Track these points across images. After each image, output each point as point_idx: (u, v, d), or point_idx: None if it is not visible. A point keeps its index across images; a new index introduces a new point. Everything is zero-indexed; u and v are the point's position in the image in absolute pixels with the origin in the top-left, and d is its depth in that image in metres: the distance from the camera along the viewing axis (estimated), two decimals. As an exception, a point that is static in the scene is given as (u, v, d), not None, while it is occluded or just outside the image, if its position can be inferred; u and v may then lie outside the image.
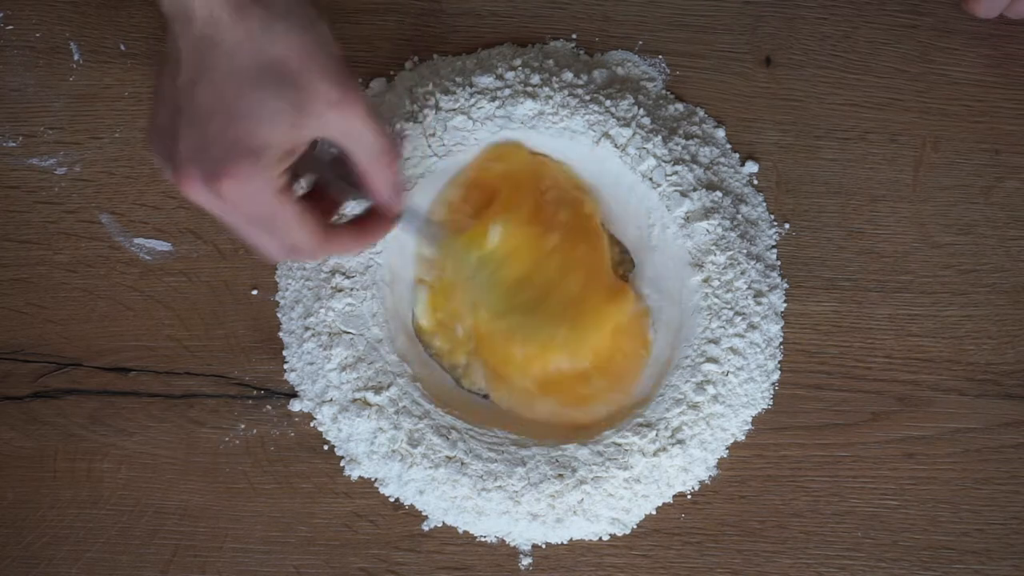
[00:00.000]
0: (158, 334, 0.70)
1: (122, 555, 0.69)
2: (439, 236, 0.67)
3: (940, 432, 0.71)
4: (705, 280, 0.69)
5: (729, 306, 0.69)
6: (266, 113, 0.53)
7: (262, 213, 0.55)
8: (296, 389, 0.70)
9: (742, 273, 0.69)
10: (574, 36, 0.74)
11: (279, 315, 0.70)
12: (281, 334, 0.70)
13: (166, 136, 0.54)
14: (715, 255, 0.69)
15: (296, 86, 0.53)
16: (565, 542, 0.69)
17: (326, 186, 0.59)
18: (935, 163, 0.73)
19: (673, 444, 0.67)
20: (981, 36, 0.75)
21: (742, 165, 0.73)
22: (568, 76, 0.71)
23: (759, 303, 0.70)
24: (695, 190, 0.70)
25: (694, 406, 0.68)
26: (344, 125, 0.55)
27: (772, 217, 0.73)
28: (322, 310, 0.68)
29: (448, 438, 0.67)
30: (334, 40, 0.55)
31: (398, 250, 0.70)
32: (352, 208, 0.64)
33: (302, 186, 0.59)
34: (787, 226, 0.72)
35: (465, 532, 0.69)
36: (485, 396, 0.70)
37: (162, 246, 0.71)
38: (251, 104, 0.53)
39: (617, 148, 0.70)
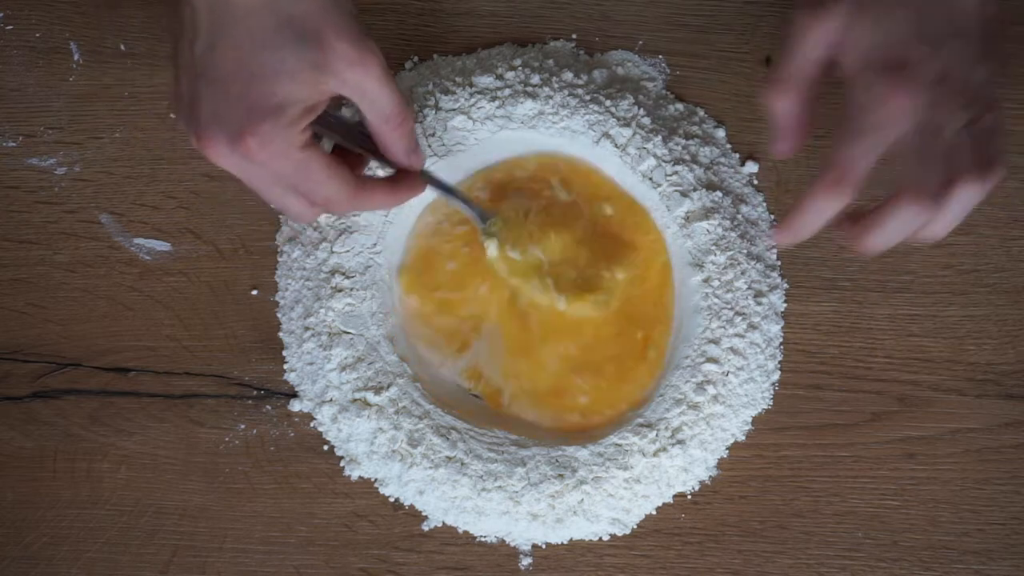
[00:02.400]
0: (158, 334, 0.70)
1: (122, 555, 0.69)
2: (480, 213, 0.67)
3: (940, 432, 0.71)
4: (705, 280, 0.69)
5: (729, 306, 0.69)
6: (285, 71, 0.53)
7: (289, 169, 0.55)
8: (296, 389, 0.70)
9: (742, 273, 0.69)
10: (574, 36, 0.74)
11: (279, 315, 0.70)
12: (281, 334, 0.70)
13: (188, 102, 0.55)
14: (715, 255, 0.69)
15: (314, 44, 0.54)
16: (565, 542, 0.69)
17: (347, 150, 0.60)
18: (935, 163, 0.73)
19: (673, 444, 0.67)
20: (981, 36, 0.74)
21: (742, 165, 0.73)
22: (568, 76, 0.71)
23: (759, 303, 0.70)
24: (695, 190, 0.70)
25: (694, 406, 0.68)
26: (360, 84, 0.55)
27: (772, 217, 0.73)
28: (322, 310, 0.68)
29: (448, 438, 0.67)
30: None
31: (399, 250, 0.70)
32: (379, 172, 0.65)
33: (324, 148, 0.59)
34: (787, 226, 0.72)
35: (465, 532, 0.69)
36: (477, 396, 0.70)
37: (161, 246, 0.71)
38: (271, 63, 0.53)
39: (617, 148, 0.70)
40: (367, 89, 0.55)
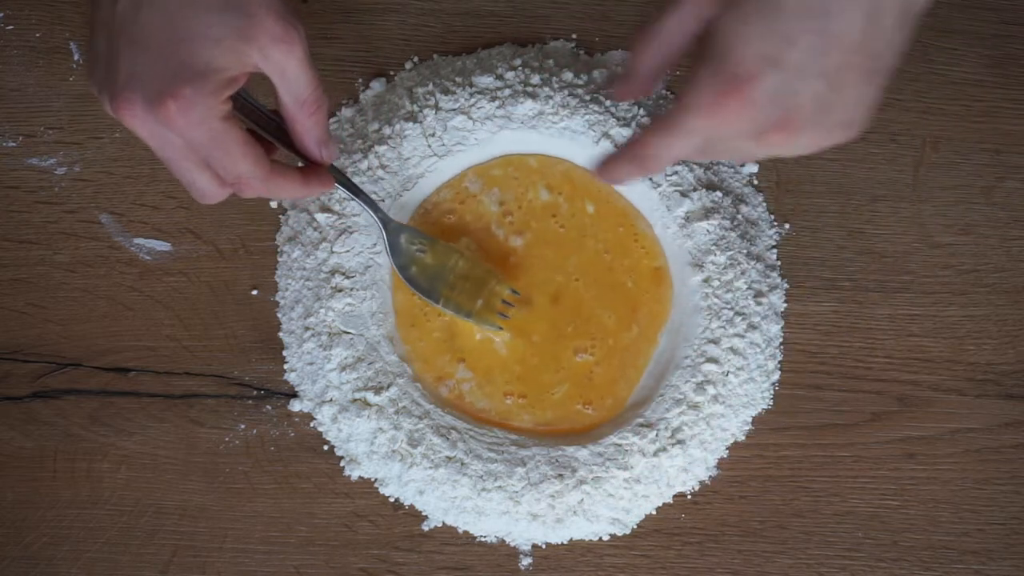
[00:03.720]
0: (158, 334, 0.70)
1: (122, 555, 0.69)
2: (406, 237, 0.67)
3: (940, 432, 0.70)
4: (705, 280, 0.69)
5: (729, 306, 0.69)
6: (212, 36, 0.52)
7: (206, 140, 0.53)
8: (296, 389, 0.70)
9: (742, 273, 0.69)
10: (574, 36, 0.74)
11: (279, 315, 0.70)
12: (281, 334, 0.70)
13: (104, 64, 0.53)
14: (715, 255, 0.69)
15: (242, 13, 0.52)
16: (565, 542, 0.69)
17: (259, 137, 0.59)
18: (935, 163, 0.73)
19: (673, 444, 0.67)
20: (981, 36, 0.75)
21: (742, 165, 0.73)
22: (568, 76, 0.71)
23: (759, 303, 0.70)
24: (695, 190, 0.70)
25: (694, 406, 0.68)
26: (281, 63, 0.54)
27: (772, 217, 0.73)
28: (322, 310, 0.68)
29: (448, 438, 0.67)
30: None
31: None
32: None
33: None
34: (787, 226, 0.72)
35: (465, 532, 0.69)
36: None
37: (161, 246, 0.71)
38: (197, 26, 0.52)
39: (617, 148, 0.70)
40: (287, 68, 0.54)
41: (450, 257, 0.68)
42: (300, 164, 0.60)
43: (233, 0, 0.53)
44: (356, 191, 0.65)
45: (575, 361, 0.69)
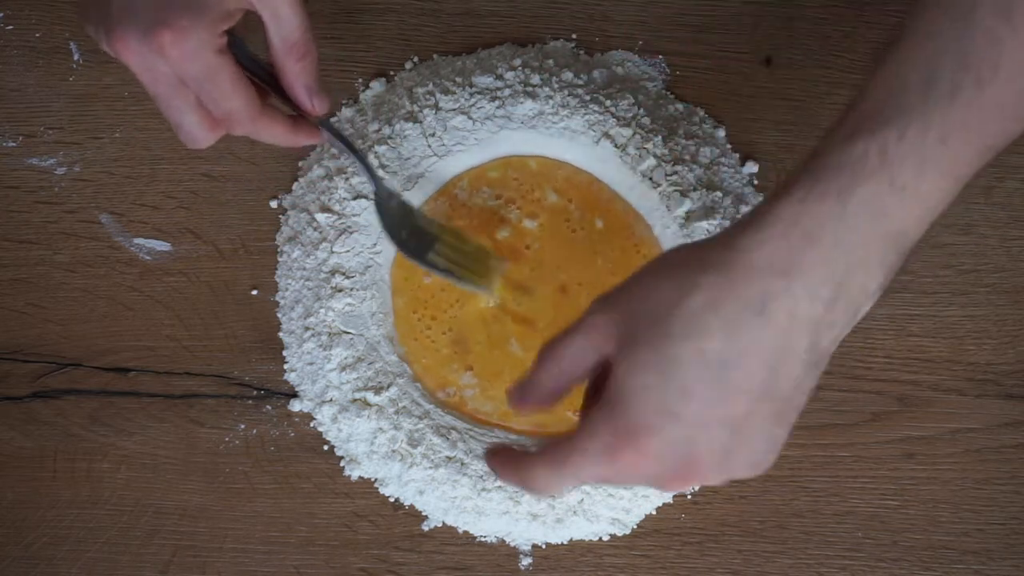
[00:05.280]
0: (158, 334, 0.70)
1: (122, 555, 0.69)
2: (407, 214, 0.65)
3: (940, 432, 0.70)
4: (705, 280, 0.69)
5: (729, 306, 0.69)
6: None
7: (199, 72, 0.53)
8: (296, 389, 0.70)
9: (742, 273, 0.69)
10: (574, 36, 0.74)
11: (279, 315, 0.70)
12: (281, 334, 0.70)
13: (95, 3, 0.53)
14: (715, 255, 0.69)
15: None
16: (565, 542, 0.69)
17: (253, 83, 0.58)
18: (935, 163, 0.73)
19: (673, 444, 0.67)
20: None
21: (742, 165, 0.73)
22: (568, 76, 0.71)
23: (759, 303, 0.70)
24: (695, 190, 0.70)
25: (694, 406, 0.68)
26: (272, 2, 0.54)
27: (772, 217, 0.72)
28: (322, 310, 0.68)
29: (448, 438, 0.67)
30: None
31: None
32: None
33: None
34: (787, 226, 0.72)
35: (465, 532, 0.69)
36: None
37: (161, 246, 0.71)
38: None
39: (617, 148, 0.70)
40: (280, 7, 0.54)
41: (443, 230, 0.66)
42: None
43: None
44: (349, 146, 0.62)
45: None
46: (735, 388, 0.47)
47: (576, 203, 0.70)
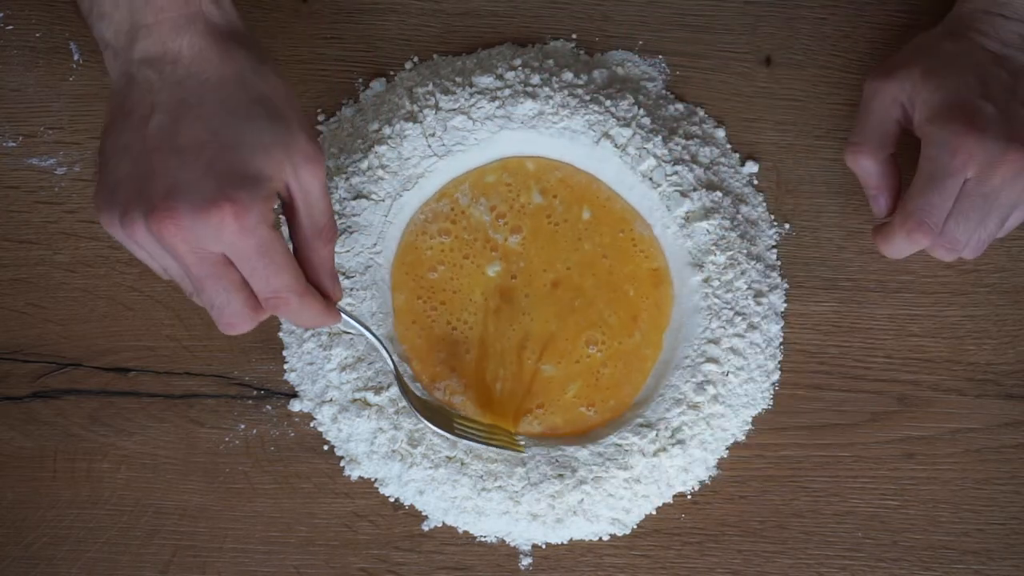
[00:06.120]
0: (158, 334, 0.70)
1: (122, 555, 0.69)
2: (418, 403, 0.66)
3: (940, 432, 0.70)
4: (705, 280, 0.69)
5: (729, 306, 0.69)
6: (262, 144, 0.52)
7: (254, 248, 0.52)
8: (296, 389, 0.70)
9: (742, 273, 0.69)
10: (574, 36, 0.74)
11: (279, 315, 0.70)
12: (281, 334, 0.70)
13: (129, 184, 0.52)
14: (715, 255, 0.69)
15: (285, 124, 0.53)
16: (565, 542, 0.69)
17: None
18: (935, 163, 0.73)
19: (673, 444, 0.67)
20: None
21: (742, 165, 0.73)
22: (568, 76, 0.71)
23: (759, 303, 0.70)
24: (695, 190, 0.70)
25: (694, 406, 0.68)
26: (308, 184, 0.54)
27: (772, 217, 0.73)
28: (322, 310, 0.68)
29: (448, 438, 0.67)
30: None
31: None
32: None
33: None
34: (787, 226, 0.72)
35: (465, 532, 0.69)
36: None
37: (162, 246, 0.71)
38: (248, 134, 0.52)
39: (617, 148, 0.70)
40: (311, 191, 0.54)
41: (455, 414, 0.68)
42: None
43: (275, 112, 0.53)
44: (368, 330, 0.63)
45: (586, 353, 0.69)
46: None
47: (561, 198, 0.71)
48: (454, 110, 0.70)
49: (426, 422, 0.64)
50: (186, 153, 0.51)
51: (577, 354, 0.69)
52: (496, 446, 0.66)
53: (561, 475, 0.67)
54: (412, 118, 0.70)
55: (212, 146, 0.51)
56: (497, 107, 0.70)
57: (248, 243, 0.51)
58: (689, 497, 0.70)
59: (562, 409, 0.69)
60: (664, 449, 0.67)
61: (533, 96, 0.70)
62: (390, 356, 0.64)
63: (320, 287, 0.57)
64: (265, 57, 0.55)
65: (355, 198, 0.69)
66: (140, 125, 0.52)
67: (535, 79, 0.70)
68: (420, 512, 0.69)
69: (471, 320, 0.69)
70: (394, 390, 0.67)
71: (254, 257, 0.52)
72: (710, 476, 0.70)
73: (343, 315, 0.60)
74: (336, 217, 0.69)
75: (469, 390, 0.69)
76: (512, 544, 0.69)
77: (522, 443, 0.67)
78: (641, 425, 0.68)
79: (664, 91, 0.74)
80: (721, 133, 0.73)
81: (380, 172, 0.69)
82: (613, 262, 0.70)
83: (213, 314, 0.55)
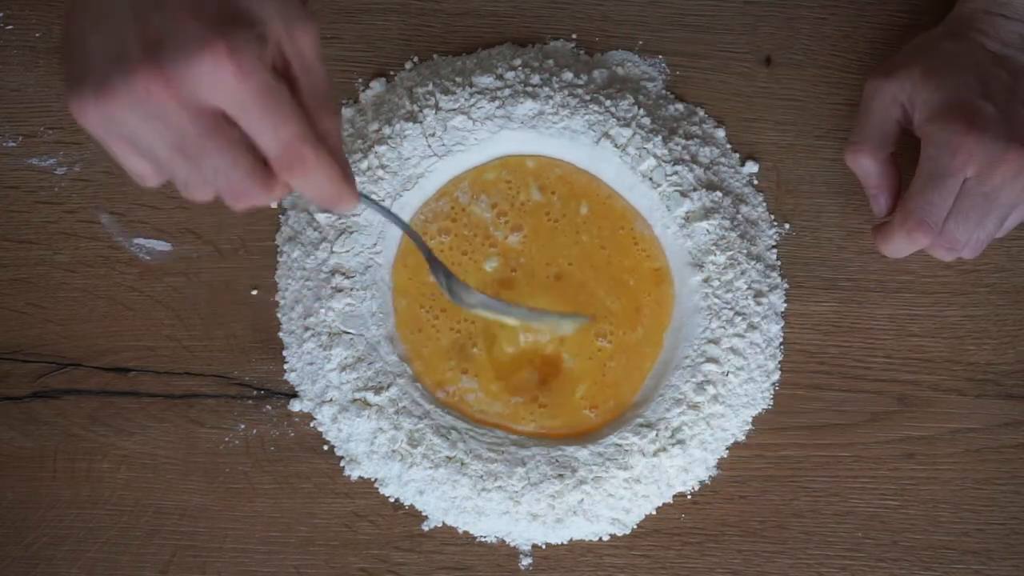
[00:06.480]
0: (158, 334, 0.70)
1: (122, 555, 0.69)
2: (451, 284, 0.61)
3: (940, 432, 0.70)
4: (705, 280, 0.69)
5: (729, 306, 0.69)
6: None
7: (256, 94, 0.44)
8: (296, 389, 0.70)
9: (742, 273, 0.69)
10: (574, 36, 0.74)
11: (279, 315, 0.70)
12: (281, 334, 0.70)
13: (103, 54, 0.44)
14: (715, 255, 0.69)
15: None
16: (565, 542, 0.69)
17: None
18: (935, 163, 0.73)
19: (673, 444, 0.67)
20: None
21: (742, 165, 0.73)
22: (568, 76, 0.71)
23: (759, 303, 0.70)
24: (695, 190, 0.70)
25: (694, 406, 0.68)
26: (304, 45, 0.47)
27: (772, 217, 0.73)
28: (322, 310, 0.68)
29: (448, 438, 0.67)
30: None
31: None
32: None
33: None
34: (787, 226, 0.72)
35: (465, 532, 0.69)
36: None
37: (161, 246, 0.71)
38: None
39: (617, 148, 0.70)
40: (307, 54, 0.47)
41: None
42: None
43: None
44: (385, 212, 0.57)
45: (597, 347, 0.69)
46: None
47: (559, 195, 0.71)
48: (454, 110, 0.70)
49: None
50: (167, 2, 0.44)
51: (589, 349, 0.69)
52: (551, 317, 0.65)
53: (561, 475, 0.67)
54: (412, 118, 0.70)
55: None
56: (497, 107, 0.70)
57: (249, 86, 0.44)
58: (689, 497, 0.70)
59: (568, 411, 0.69)
60: (664, 449, 0.67)
61: (533, 96, 0.70)
62: (421, 243, 0.59)
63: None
64: None
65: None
66: None
67: (535, 79, 0.70)
68: (420, 512, 0.69)
69: (471, 316, 0.69)
70: (394, 390, 0.67)
71: (257, 104, 0.45)
72: (710, 476, 0.70)
73: (362, 196, 0.52)
74: (336, 217, 0.69)
75: (483, 376, 0.69)
76: (512, 544, 0.69)
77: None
78: (641, 425, 0.68)
79: (664, 91, 0.74)
80: (721, 133, 0.73)
81: (380, 172, 0.69)
82: (612, 253, 0.70)
83: (219, 186, 0.47)
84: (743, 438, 0.70)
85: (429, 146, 0.69)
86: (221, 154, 0.46)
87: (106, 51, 0.45)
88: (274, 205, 0.72)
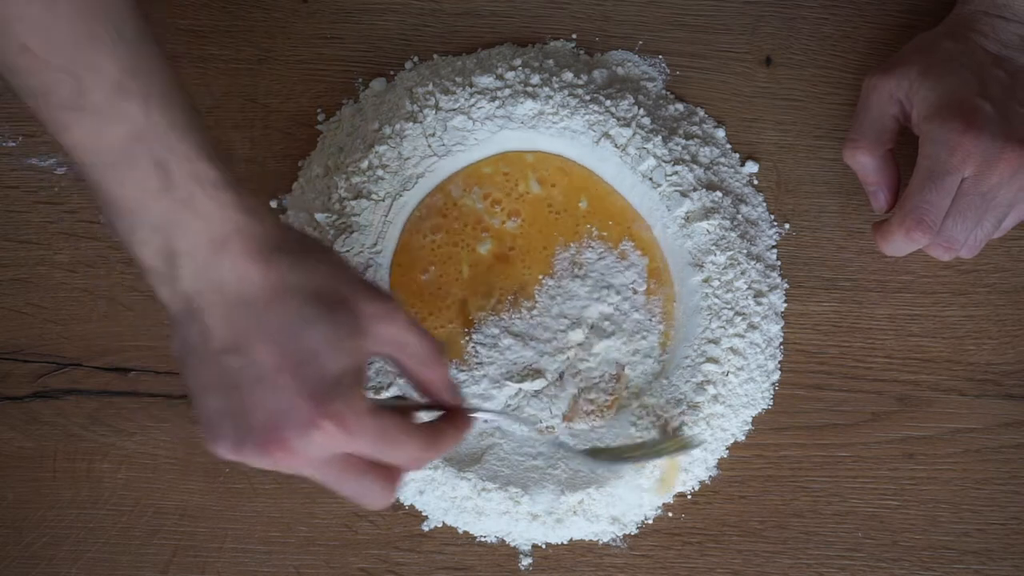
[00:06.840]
0: (158, 334, 0.70)
1: (122, 555, 0.69)
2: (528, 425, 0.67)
3: (940, 432, 0.70)
4: (705, 280, 0.69)
5: (729, 306, 0.69)
6: (330, 344, 0.51)
7: (369, 440, 0.52)
8: (296, 389, 0.70)
9: (742, 273, 0.69)
10: (574, 36, 0.74)
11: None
12: (281, 334, 0.70)
13: (232, 418, 0.51)
14: (715, 255, 0.69)
15: (345, 310, 0.52)
16: (565, 542, 0.69)
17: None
18: (935, 163, 0.73)
19: (673, 444, 0.67)
20: (981, 36, 0.74)
21: (742, 165, 0.73)
22: (568, 76, 0.71)
23: (759, 303, 0.70)
24: (695, 190, 0.70)
25: (694, 406, 0.68)
26: (394, 336, 0.53)
27: (772, 217, 0.73)
28: (322, 310, 0.68)
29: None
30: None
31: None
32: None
33: None
34: (787, 226, 0.72)
35: (465, 532, 0.69)
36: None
37: (162, 246, 0.71)
38: (312, 342, 0.50)
39: (617, 148, 0.70)
40: (399, 339, 0.53)
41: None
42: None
43: (332, 301, 0.51)
44: (502, 413, 0.66)
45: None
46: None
47: (560, 188, 0.71)
48: (454, 110, 0.70)
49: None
50: (266, 382, 0.50)
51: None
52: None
53: (561, 475, 0.67)
54: (412, 118, 0.70)
55: (287, 367, 0.50)
56: (497, 107, 0.70)
57: (361, 441, 0.51)
58: (689, 497, 0.70)
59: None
60: (664, 449, 0.67)
61: (533, 96, 0.70)
62: (521, 424, 0.67)
63: (442, 403, 0.57)
64: (309, 246, 0.54)
65: (355, 198, 0.69)
66: (211, 361, 0.51)
67: (535, 79, 0.70)
68: (420, 512, 0.69)
69: (471, 315, 0.69)
70: (394, 390, 0.67)
71: (372, 447, 0.52)
72: (710, 476, 0.70)
73: (474, 415, 0.59)
74: (336, 217, 0.69)
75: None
76: (512, 544, 0.69)
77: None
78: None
79: (664, 91, 0.74)
80: (721, 133, 0.73)
81: (380, 172, 0.69)
82: (612, 233, 0.70)
83: (364, 502, 0.55)
84: (743, 438, 0.70)
85: (429, 146, 0.69)
86: (352, 486, 0.53)
87: (229, 418, 0.51)
88: (273, 204, 0.72)
